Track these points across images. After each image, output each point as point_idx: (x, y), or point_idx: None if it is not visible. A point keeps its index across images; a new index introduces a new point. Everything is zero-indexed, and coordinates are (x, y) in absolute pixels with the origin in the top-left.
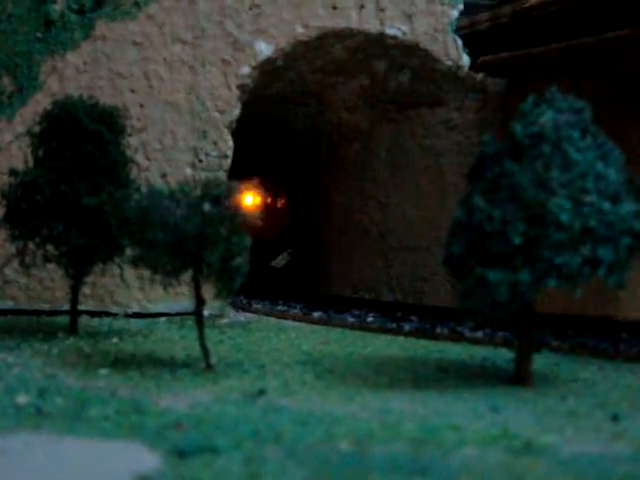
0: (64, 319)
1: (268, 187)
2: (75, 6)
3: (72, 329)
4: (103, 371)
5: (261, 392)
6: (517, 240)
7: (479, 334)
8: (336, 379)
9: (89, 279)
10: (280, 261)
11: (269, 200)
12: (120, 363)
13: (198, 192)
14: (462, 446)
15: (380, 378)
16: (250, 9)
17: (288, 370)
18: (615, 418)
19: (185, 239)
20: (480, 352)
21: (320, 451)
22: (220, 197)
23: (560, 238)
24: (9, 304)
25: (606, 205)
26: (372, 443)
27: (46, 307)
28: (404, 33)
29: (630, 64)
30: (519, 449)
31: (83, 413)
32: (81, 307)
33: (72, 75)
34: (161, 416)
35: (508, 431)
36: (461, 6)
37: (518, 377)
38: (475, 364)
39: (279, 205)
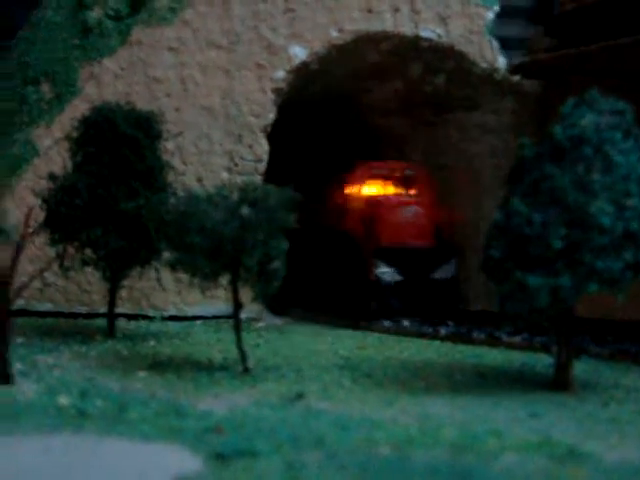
0: (102, 322)
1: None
2: (112, 13)
3: (110, 332)
4: (141, 374)
5: (299, 396)
6: (558, 244)
7: (517, 339)
8: (374, 383)
9: (126, 282)
10: (443, 272)
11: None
12: (158, 366)
13: (235, 196)
14: (503, 452)
15: (418, 383)
16: (284, 13)
17: (326, 374)
18: None
19: (223, 243)
20: (518, 357)
21: (360, 456)
22: (258, 200)
23: (602, 242)
24: (48, 306)
25: None
26: (412, 448)
27: (84, 310)
28: (439, 36)
29: None
30: (561, 456)
31: (123, 415)
32: (118, 310)
33: (109, 81)
34: (200, 419)
35: (550, 438)
36: (497, 7)
37: (558, 383)
38: (513, 369)
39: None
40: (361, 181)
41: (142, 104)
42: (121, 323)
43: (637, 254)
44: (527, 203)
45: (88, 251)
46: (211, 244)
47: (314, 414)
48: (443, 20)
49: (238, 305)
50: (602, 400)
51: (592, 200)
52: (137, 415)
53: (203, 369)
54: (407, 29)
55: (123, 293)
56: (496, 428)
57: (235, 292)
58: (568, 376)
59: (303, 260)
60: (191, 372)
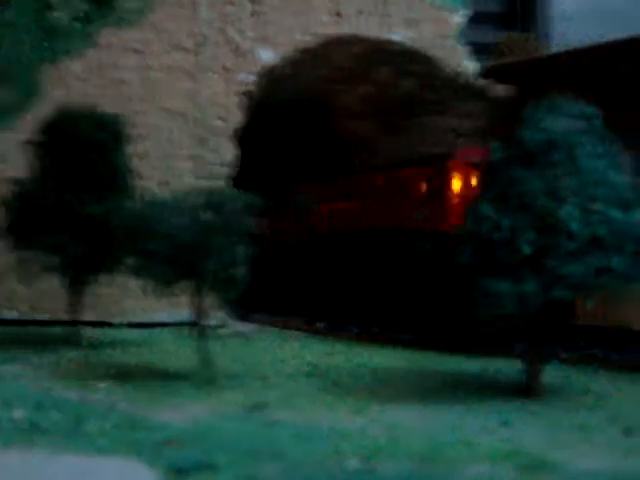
0: (66, 330)
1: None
2: (78, 14)
3: (73, 340)
4: (102, 384)
5: (262, 405)
6: (527, 249)
7: (488, 345)
8: (342, 392)
9: (92, 289)
10: None
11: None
12: (120, 375)
13: (198, 201)
14: (472, 462)
15: (388, 391)
16: (252, 16)
17: (292, 382)
18: (628, 432)
19: (183, 248)
20: (489, 364)
21: (325, 468)
22: (221, 205)
23: (569, 247)
24: (13, 314)
25: (616, 213)
26: (380, 460)
27: (48, 317)
28: (409, 40)
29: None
30: (530, 466)
31: (80, 428)
32: (84, 318)
33: (75, 83)
34: (160, 431)
35: (519, 447)
36: (466, 12)
37: (528, 390)
38: (484, 376)
39: None
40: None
41: (108, 107)
42: (86, 331)
43: (603, 259)
44: (496, 208)
45: (52, 257)
46: (171, 250)
47: (277, 425)
48: (413, 24)
49: (201, 312)
50: (571, 407)
51: (561, 205)
52: (94, 428)
53: (165, 378)
54: (377, 33)
55: (89, 300)
56: (465, 437)
57: (198, 299)
58: (538, 383)
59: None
60: (153, 382)
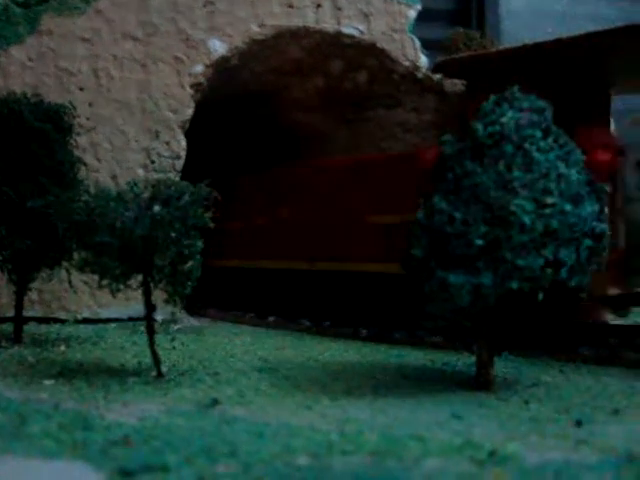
0: (9, 327)
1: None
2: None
3: (16, 337)
4: (48, 382)
5: (214, 402)
6: (479, 242)
7: (438, 338)
8: (293, 386)
9: (35, 285)
10: None
11: None
12: (66, 373)
13: (147, 193)
14: (425, 457)
15: (338, 385)
16: (204, 6)
17: (243, 377)
18: (579, 423)
19: (133, 242)
20: (440, 357)
21: (277, 466)
22: (171, 198)
23: (522, 240)
24: None
25: (568, 206)
26: (331, 456)
27: None
28: (361, 32)
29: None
30: (483, 459)
31: (23, 429)
32: (28, 314)
33: (16, 71)
34: (108, 431)
35: (472, 440)
36: (419, 6)
37: (479, 382)
38: (435, 369)
39: None
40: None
41: (53, 97)
42: (30, 327)
43: (557, 251)
44: (449, 201)
45: None
46: (121, 244)
47: (229, 422)
48: (365, 17)
49: (151, 307)
50: (523, 399)
51: (513, 198)
52: (38, 429)
53: (114, 375)
54: (329, 25)
55: (33, 296)
56: (418, 431)
57: (147, 294)
58: (489, 375)
59: None
60: (102, 379)
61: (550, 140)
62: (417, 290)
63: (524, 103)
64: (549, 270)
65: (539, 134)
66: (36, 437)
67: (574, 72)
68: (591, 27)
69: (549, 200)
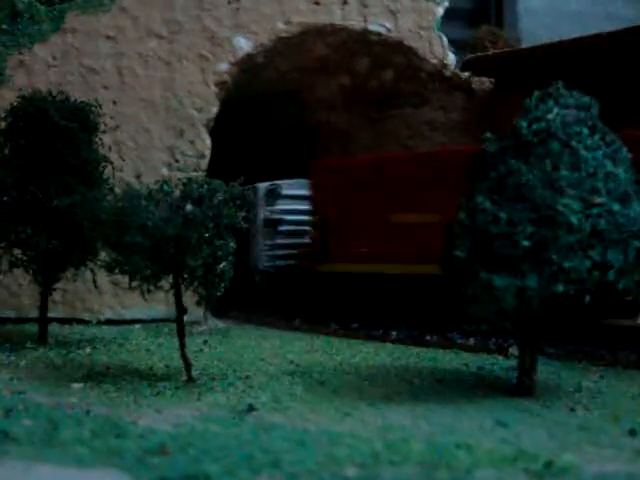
0: (33, 327)
1: None
2: None
3: (41, 338)
4: (76, 385)
5: (250, 408)
6: (525, 243)
7: (471, 341)
8: (328, 392)
9: (59, 285)
10: None
11: None
12: (94, 376)
13: (178, 192)
14: (476, 468)
15: (375, 390)
16: (229, 3)
17: (276, 382)
18: (633, 433)
19: (165, 242)
20: (474, 360)
21: (323, 477)
22: (203, 197)
23: (569, 241)
24: None
25: (616, 206)
26: (379, 466)
27: (14, 315)
28: (388, 30)
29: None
30: (539, 470)
31: (55, 436)
32: (51, 314)
33: (41, 70)
34: (142, 438)
35: (523, 449)
36: (446, 3)
37: (520, 388)
38: (471, 373)
39: None
40: None
41: (77, 96)
42: (54, 328)
43: (604, 253)
44: (493, 200)
45: (17, 252)
46: (152, 244)
47: (266, 429)
48: (392, 14)
49: (181, 310)
50: (567, 405)
51: (560, 197)
52: (71, 436)
53: (144, 379)
54: (355, 22)
55: (56, 296)
56: (464, 439)
57: (178, 295)
58: (531, 380)
59: None
60: (131, 383)
61: (597, 137)
62: (458, 292)
63: (569, 99)
64: (596, 272)
65: (586, 131)
66: (69, 444)
67: (616, 68)
68: (608, 27)
69: (597, 200)
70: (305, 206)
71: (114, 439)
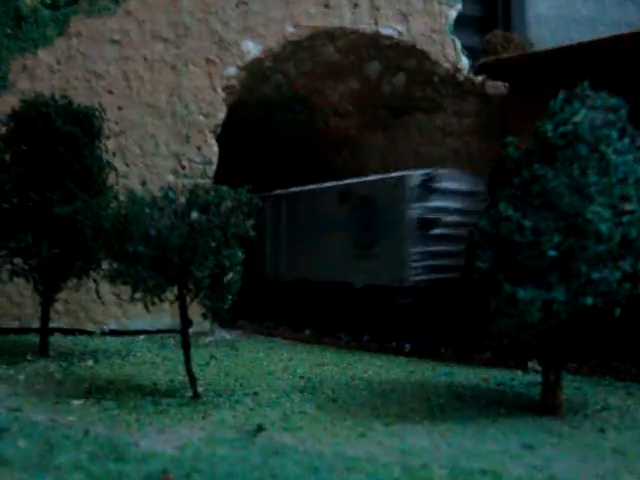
0: (34, 338)
1: None
2: (48, 1)
3: (42, 350)
4: (76, 402)
5: (259, 429)
6: (552, 253)
7: (487, 355)
8: (341, 409)
9: (62, 295)
10: None
11: None
12: (95, 391)
13: (183, 199)
14: None
15: (390, 408)
16: (237, 6)
17: (286, 399)
18: None
19: (169, 252)
20: (492, 375)
21: None
22: (210, 204)
23: (598, 251)
24: None
25: None
26: None
27: (15, 325)
28: (399, 33)
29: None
30: None
31: (50, 459)
32: (53, 325)
33: (44, 74)
34: (143, 462)
35: (555, 477)
36: (459, 6)
37: (545, 406)
38: (491, 390)
39: None
40: None
41: (81, 101)
42: (57, 339)
43: (636, 263)
44: (516, 208)
45: (18, 260)
46: (155, 253)
47: (277, 452)
48: (404, 17)
49: (187, 322)
50: (596, 426)
51: (588, 204)
52: (67, 459)
53: (147, 395)
54: (366, 26)
55: (59, 306)
56: (490, 465)
57: (183, 307)
58: (557, 399)
59: None
60: (133, 399)
61: (627, 141)
62: (480, 305)
63: (597, 100)
64: (627, 284)
65: (615, 134)
66: (65, 469)
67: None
68: (617, 33)
69: (628, 207)
70: (467, 204)
71: (113, 463)
